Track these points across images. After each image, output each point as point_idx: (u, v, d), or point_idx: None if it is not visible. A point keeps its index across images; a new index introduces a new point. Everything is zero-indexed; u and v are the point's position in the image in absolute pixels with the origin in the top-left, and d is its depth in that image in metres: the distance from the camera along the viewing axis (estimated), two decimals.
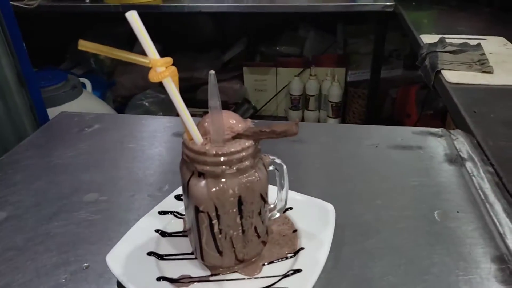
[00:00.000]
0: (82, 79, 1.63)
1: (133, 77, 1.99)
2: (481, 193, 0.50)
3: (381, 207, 0.48)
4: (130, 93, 2.00)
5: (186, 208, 0.39)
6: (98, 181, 0.54)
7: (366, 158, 0.57)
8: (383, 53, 1.76)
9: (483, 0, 1.39)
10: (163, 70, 0.29)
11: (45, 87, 1.37)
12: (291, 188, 0.43)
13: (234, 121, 0.36)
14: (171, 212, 0.46)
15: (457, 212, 0.47)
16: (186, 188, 0.36)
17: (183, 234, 0.44)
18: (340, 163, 0.57)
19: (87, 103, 1.49)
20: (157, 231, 0.44)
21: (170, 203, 0.47)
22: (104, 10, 1.60)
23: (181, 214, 0.46)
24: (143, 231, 0.43)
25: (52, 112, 1.30)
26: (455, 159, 0.56)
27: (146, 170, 0.57)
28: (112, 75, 2.05)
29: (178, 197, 0.48)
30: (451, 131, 0.63)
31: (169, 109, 1.87)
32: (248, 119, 0.37)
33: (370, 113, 1.83)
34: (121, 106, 1.95)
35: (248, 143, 0.35)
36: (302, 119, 2.14)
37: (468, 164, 0.55)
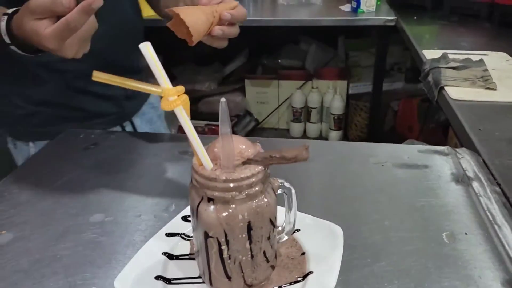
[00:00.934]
0: None
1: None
2: (488, 214, 0.49)
3: (389, 229, 0.48)
4: None
5: (194, 230, 0.39)
6: (104, 201, 0.54)
7: (372, 177, 0.57)
8: (385, 66, 1.77)
9: (483, 15, 1.40)
10: (175, 99, 0.29)
11: None
12: (298, 208, 0.42)
13: (244, 146, 0.36)
14: (178, 234, 0.46)
15: (465, 233, 0.47)
16: (196, 213, 0.36)
17: (190, 257, 0.43)
18: (346, 182, 0.57)
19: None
20: (164, 253, 0.43)
21: (177, 224, 0.47)
22: None
23: (188, 236, 0.46)
24: (150, 254, 0.43)
25: None
26: (462, 179, 0.56)
27: (152, 189, 0.56)
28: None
29: (185, 218, 0.48)
30: (457, 149, 0.63)
31: (171, 121, 1.87)
32: (258, 144, 0.37)
33: (372, 126, 1.83)
34: None
35: (258, 168, 0.35)
36: (304, 132, 2.15)
37: (475, 184, 0.55)
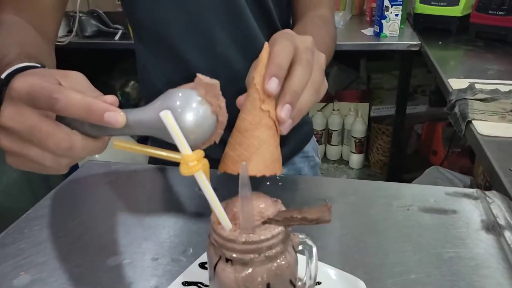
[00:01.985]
0: None
1: None
2: None
3: (416, 283, 0.45)
4: None
5: (210, 281, 0.38)
6: (122, 242, 0.53)
7: (397, 223, 0.55)
8: (408, 89, 1.74)
9: (511, 40, 1.36)
10: (195, 164, 0.29)
11: None
12: (318, 257, 0.41)
13: (264, 205, 0.35)
14: (195, 284, 0.45)
15: None
16: (213, 271, 0.35)
17: None
18: (369, 228, 0.55)
19: (113, 138, 1.52)
20: None
21: (194, 272, 0.46)
22: (132, 47, 1.64)
23: (205, 285, 0.45)
24: None
25: None
26: (493, 227, 0.54)
27: (171, 229, 0.56)
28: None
29: (202, 265, 0.47)
30: (487, 192, 0.61)
31: None
32: (279, 201, 0.36)
33: (395, 150, 1.80)
34: (145, 137, 1.98)
35: (278, 229, 0.34)
36: (325, 154, 2.12)
37: (507, 233, 0.52)
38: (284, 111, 0.36)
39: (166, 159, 0.29)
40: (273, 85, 0.36)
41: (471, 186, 1.46)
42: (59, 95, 0.30)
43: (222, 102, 0.34)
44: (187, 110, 0.31)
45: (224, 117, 0.35)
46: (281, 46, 0.38)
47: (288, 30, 0.42)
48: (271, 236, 0.33)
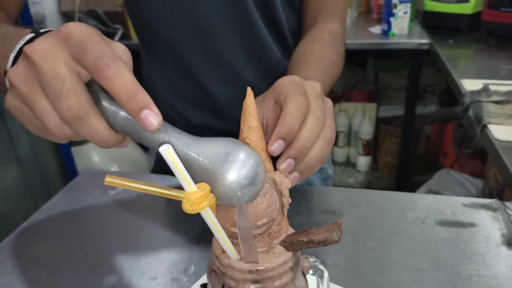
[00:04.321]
0: None
1: None
2: None
3: None
4: None
5: None
6: (119, 259, 0.51)
7: (412, 237, 0.52)
8: (418, 89, 1.69)
9: None
10: (200, 201, 0.26)
11: None
12: (329, 276, 0.37)
13: (265, 204, 0.30)
14: None
15: None
16: None
17: None
18: (383, 243, 0.51)
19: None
20: None
21: None
22: (132, 48, 1.61)
23: None
24: None
25: (77, 151, 1.30)
26: None
27: (171, 245, 0.53)
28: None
29: (205, 287, 0.44)
30: (507, 203, 0.57)
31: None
32: (285, 218, 0.32)
33: (404, 151, 1.75)
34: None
35: (287, 256, 0.30)
36: (332, 156, 2.08)
37: None
38: (284, 165, 0.33)
39: (168, 197, 0.26)
40: (277, 148, 0.33)
41: (483, 190, 1.42)
42: (111, 62, 0.25)
43: (286, 200, 0.31)
44: (247, 167, 0.28)
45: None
46: (296, 105, 0.34)
47: (295, 77, 0.37)
48: (278, 265, 0.30)
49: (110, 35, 1.63)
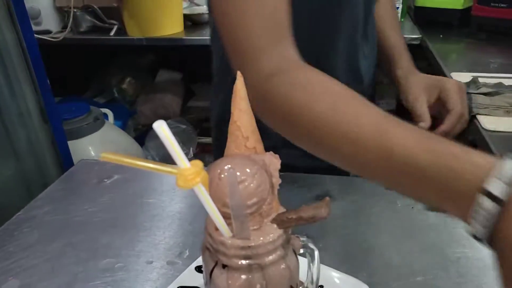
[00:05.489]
0: (105, 110, 1.64)
1: (155, 106, 2.00)
2: None
3: (422, 286, 0.43)
4: (151, 122, 1.95)
5: (205, 286, 0.36)
6: (115, 244, 0.51)
7: (401, 223, 0.53)
8: None
9: None
10: (193, 177, 0.26)
11: (68, 119, 1.38)
12: (320, 258, 0.38)
13: (254, 183, 0.31)
14: None
15: None
16: (209, 277, 0.33)
17: None
18: (373, 228, 0.53)
19: (108, 135, 1.49)
20: None
21: (190, 276, 0.44)
22: (128, 43, 1.62)
23: None
24: None
25: (73, 144, 1.30)
26: None
27: (166, 230, 0.54)
28: (134, 104, 2.06)
29: (198, 269, 0.45)
30: None
31: (190, 140, 1.86)
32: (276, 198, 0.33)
33: None
34: (142, 134, 1.95)
35: (277, 233, 0.31)
36: None
37: None
38: None
39: (161, 172, 0.27)
40: None
41: None
42: None
43: (276, 180, 0.32)
44: None
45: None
46: (459, 111, 0.64)
47: (461, 84, 0.60)
48: (270, 241, 0.31)
49: (106, 31, 1.63)
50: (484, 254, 0.47)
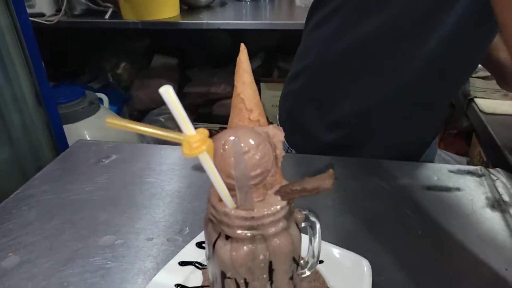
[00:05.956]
0: (100, 94, 1.63)
1: (150, 91, 1.98)
2: None
3: (419, 262, 0.44)
4: (146, 108, 1.99)
5: (208, 262, 0.36)
6: (115, 222, 0.51)
7: (400, 201, 0.53)
8: None
9: None
10: (198, 145, 0.26)
11: (63, 103, 1.37)
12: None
13: (258, 154, 0.31)
14: (192, 263, 0.43)
15: (506, 270, 0.43)
16: (212, 249, 0.33)
17: None
18: (371, 206, 0.53)
19: (104, 119, 1.47)
20: (177, 285, 0.40)
21: (191, 252, 0.44)
22: (123, 27, 1.60)
23: (203, 265, 0.43)
24: (162, 286, 0.40)
25: (69, 129, 1.29)
26: (498, 204, 0.52)
27: (166, 208, 0.54)
28: (129, 89, 2.04)
29: (199, 245, 0.45)
30: (491, 170, 0.59)
31: None
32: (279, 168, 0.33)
33: None
34: (137, 120, 1.94)
35: (281, 204, 0.31)
36: None
37: None
38: None
39: (167, 139, 0.27)
40: None
41: None
42: None
43: (279, 152, 0.32)
44: None
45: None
46: None
47: None
48: (272, 212, 0.31)
49: (101, 14, 1.61)
50: (480, 232, 0.48)
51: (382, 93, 0.62)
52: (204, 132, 0.27)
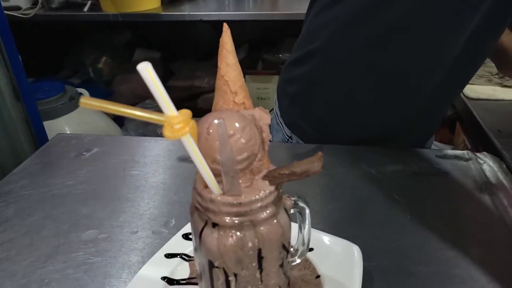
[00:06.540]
0: (80, 90, 1.59)
1: (133, 86, 1.94)
2: None
3: (409, 246, 0.43)
4: (129, 102, 1.93)
5: (196, 252, 0.35)
6: (98, 215, 0.50)
7: (388, 187, 0.53)
8: None
9: None
10: (181, 126, 0.25)
11: (42, 99, 1.33)
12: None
13: (244, 138, 0.30)
14: (178, 255, 0.42)
15: (494, 250, 0.42)
16: (199, 239, 0.32)
17: (193, 281, 0.39)
18: (360, 192, 0.52)
19: (85, 115, 1.45)
20: (163, 278, 0.39)
21: (177, 243, 0.43)
22: (102, 19, 1.56)
23: (190, 257, 0.42)
24: (148, 279, 0.38)
25: (49, 125, 1.26)
26: (486, 187, 0.52)
27: (150, 201, 0.52)
28: (110, 84, 2.00)
29: (186, 236, 0.44)
30: (478, 154, 0.59)
31: None
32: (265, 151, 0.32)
33: None
34: (120, 116, 1.91)
35: (269, 190, 0.30)
36: None
37: (500, 194, 0.51)
38: None
39: (147, 121, 0.25)
40: None
41: None
42: None
43: (266, 135, 0.31)
44: None
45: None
46: None
47: None
48: (260, 198, 0.30)
49: (79, 7, 1.56)
50: (470, 215, 0.48)
51: (408, 86, 0.60)
52: (187, 113, 0.26)
